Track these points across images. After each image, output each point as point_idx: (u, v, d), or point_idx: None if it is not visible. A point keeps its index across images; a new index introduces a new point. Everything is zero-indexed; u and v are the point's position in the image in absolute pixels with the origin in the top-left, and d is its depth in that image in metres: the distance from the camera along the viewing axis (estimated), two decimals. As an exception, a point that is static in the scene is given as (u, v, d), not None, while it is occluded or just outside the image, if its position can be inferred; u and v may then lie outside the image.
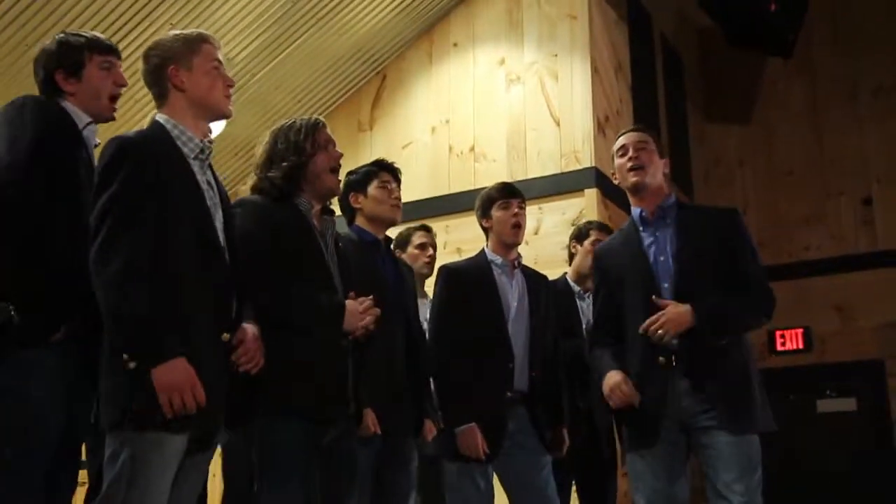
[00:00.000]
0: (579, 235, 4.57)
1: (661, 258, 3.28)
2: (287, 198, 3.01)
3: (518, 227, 3.89)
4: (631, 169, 3.34)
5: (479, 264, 3.91)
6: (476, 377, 3.71)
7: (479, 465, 3.67)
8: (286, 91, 6.45)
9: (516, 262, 3.93)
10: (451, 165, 6.29)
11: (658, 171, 3.38)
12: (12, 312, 2.57)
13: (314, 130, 3.07)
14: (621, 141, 3.46)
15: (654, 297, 3.16)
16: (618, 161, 3.43)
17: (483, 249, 3.96)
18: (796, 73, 7.64)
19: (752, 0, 6.63)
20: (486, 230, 3.96)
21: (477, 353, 3.73)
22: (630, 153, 3.37)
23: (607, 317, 3.41)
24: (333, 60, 6.47)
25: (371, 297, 2.98)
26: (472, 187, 5.85)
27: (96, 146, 2.81)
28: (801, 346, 7.22)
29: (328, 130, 3.13)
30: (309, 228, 3.01)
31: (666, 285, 3.24)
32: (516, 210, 3.89)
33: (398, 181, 3.68)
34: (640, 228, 3.37)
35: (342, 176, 3.36)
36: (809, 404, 7.19)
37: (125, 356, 2.30)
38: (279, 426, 2.77)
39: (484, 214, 3.93)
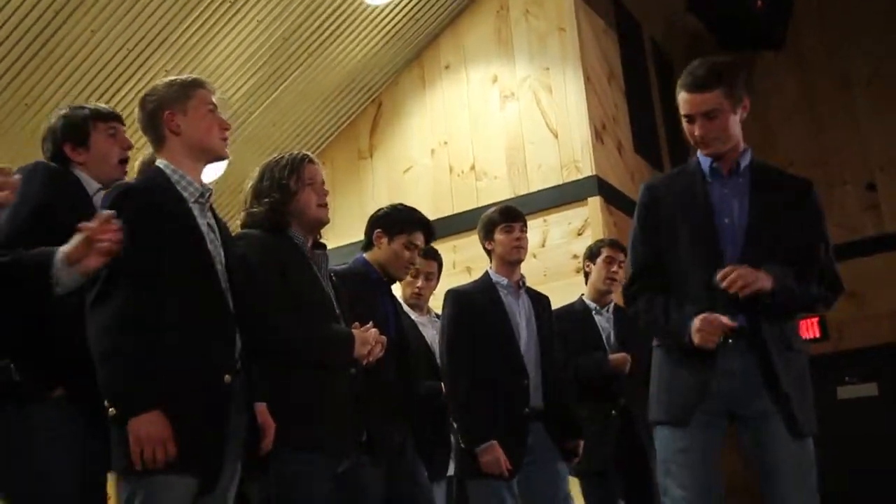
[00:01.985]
0: (591, 255, 4.52)
1: (727, 220, 2.98)
2: (280, 230, 3.02)
3: (519, 248, 3.90)
4: (699, 143, 2.99)
5: (485, 287, 3.92)
6: (493, 396, 3.72)
7: (504, 482, 3.68)
8: (284, 127, 6.50)
9: (521, 283, 3.95)
10: (453, 186, 6.32)
11: (733, 128, 2.96)
12: (12, 369, 2.60)
13: (300, 167, 3.05)
14: (683, 105, 3.01)
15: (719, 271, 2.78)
16: (685, 126, 3.03)
17: (487, 271, 3.96)
18: (788, 67, 7.68)
19: (739, 0, 6.67)
20: (488, 252, 3.98)
21: (492, 373, 3.73)
22: (696, 130, 2.97)
23: (649, 267, 3.08)
24: (328, 93, 6.52)
25: (373, 325, 2.99)
26: (475, 206, 5.89)
27: None
28: (818, 336, 7.20)
29: (316, 165, 3.11)
30: (307, 261, 3.03)
31: (729, 250, 2.93)
32: (518, 234, 3.90)
33: (428, 241, 3.69)
34: (709, 180, 3.04)
35: (366, 198, 3.37)
36: (830, 393, 7.14)
37: (106, 403, 2.35)
38: (299, 459, 2.78)
39: (487, 237, 3.95)
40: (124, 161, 2.91)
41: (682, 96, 3.00)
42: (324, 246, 3.19)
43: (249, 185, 3.11)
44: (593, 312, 4.43)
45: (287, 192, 3.01)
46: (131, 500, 2.36)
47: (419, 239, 3.58)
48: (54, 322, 2.62)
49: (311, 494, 2.79)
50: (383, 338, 3.01)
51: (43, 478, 2.57)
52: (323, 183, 3.12)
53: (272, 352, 2.78)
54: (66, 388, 2.61)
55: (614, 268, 4.43)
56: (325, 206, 3.12)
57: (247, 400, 2.62)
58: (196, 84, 2.69)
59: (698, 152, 3.08)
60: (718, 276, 2.78)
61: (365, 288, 3.47)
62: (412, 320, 4.08)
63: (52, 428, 2.58)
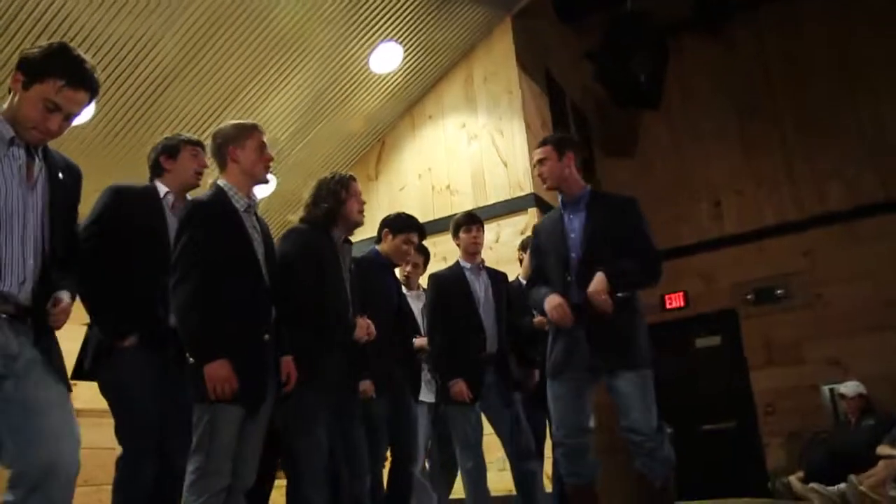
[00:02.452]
0: (523, 247, 4.45)
1: (573, 235, 3.09)
2: (324, 228, 3.01)
3: (476, 244, 3.94)
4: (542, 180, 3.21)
5: (455, 271, 3.97)
6: (460, 347, 3.72)
7: (469, 406, 3.67)
8: (318, 157, 6.47)
9: (480, 266, 3.96)
10: (434, 199, 6.33)
11: (561, 170, 3.13)
12: (90, 328, 2.67)
13: (348, 182, 3.10)
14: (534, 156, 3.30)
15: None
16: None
17: (457, 260, 3.99)
18: (661, 121, 7.74)
19: (628, 74, 6.74)
20: (458, 245, 3.99)
21: (458, 330, 3.76)
22: (536, 169, 3.25)
23: (538, 272, 3.24)
24: (346, 135, 6.53)
25: (369, 321, 2.97)
26: (450, 213, 5.82)
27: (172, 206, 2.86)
28: (682, 305, 7.28)
29: (357, 183, 3.17)
30: (336, 254, 3.01)
31: (574, 255, 3.06)
32: (475, 233, 3.95)
33: (421, 239, 3.69)
34: (563, 211, 3.18)
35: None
36: (690, 343, 7.23)
37: (188, 354, 2.40)
38: (307, 393, 2.76)
39: (455, 235, 4.04)
40: (199, 174, 2.91)
41: (536, 150, 3.24)
42: (350, 241, 3.17)
43: (308, 193, 3.11)
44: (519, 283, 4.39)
45: (339, 200, 2.99)
46: (201, 420, 2.39)
47: (415, 237, 3.61)
48: (125, 293, 2.62)
49: (317, 417, 2.78)
50: (373, 331, 2.97)
51: (130, 400, 2.58)
52: (361, 195, 3.13)
53: (294, 320, 2.75)
54: (139, 339, 2.60)
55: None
56: (363, 212, 3.14)
57: (277, 353, 2.61)
58: (253, 127, 2.70)
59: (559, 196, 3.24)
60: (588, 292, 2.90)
61: (376, 269, 3.46)
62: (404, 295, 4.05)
63: (135, 366, 2.58)
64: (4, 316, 1.85)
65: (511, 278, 4.25)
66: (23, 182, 1.88)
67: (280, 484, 2.95)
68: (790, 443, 6.36)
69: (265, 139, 2.68)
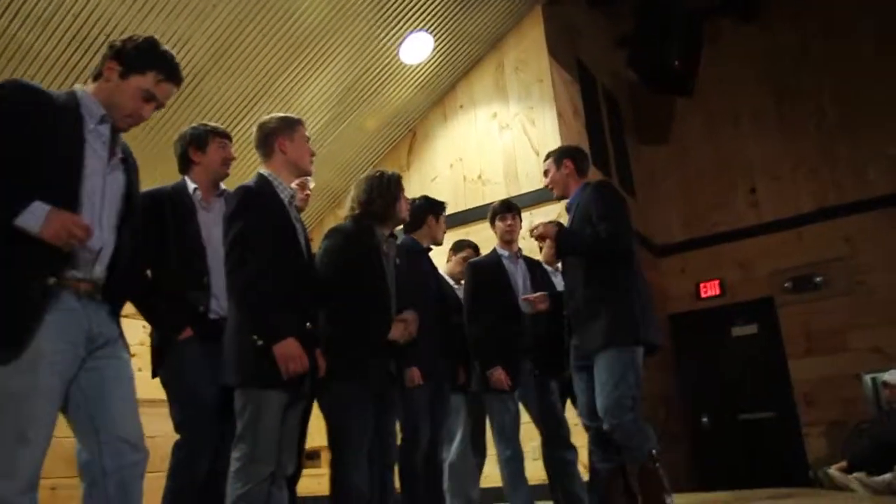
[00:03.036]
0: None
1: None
2: (369, 225, 3.02)
3: (511, 231, 3.93)
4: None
5: (492, 258, 3.96)
6: (498, 334, 3.71)
7: (507, 395, 3.65)
8: (350, 149, 6.49)
9: (518, 254, 3.92)
10: (466, 189, 6.30)
11: (559, 177, 3.47)
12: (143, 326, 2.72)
13: (399, 182, 3.12)
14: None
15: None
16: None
17: (494, 248, 3.95)
18: (696, 106, 7.61)
19: (663, 59, 6.62)
20: (495, 233, 3.97)
21: (496, 318, 3.74)
22: (544, 180, 3.58)
23: None
24: (378, 125, 6.49)
25: (414, 315, 3.00)
26: (482, 203, 5.85)
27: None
28: (718, 293, 7.17)
29: (402, 182, 3.18)
30: (379, 251, 3.00)
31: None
32: (510, 221, 3.93)
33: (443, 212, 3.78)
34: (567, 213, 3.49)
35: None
36: (727, 331, 7.12)
37: (254, 337, 2.34)
38: (352, 382, 2.79)
39: (492, 223, 4.04)
40: (227, 164, 2.91)
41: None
42: (395, 236, 3.19)
43: (359, 191, 3.10)
44: (549, 272, 4.34)
45: (392, 199, 3.02)
46: (246, 407, 2.39)
47: (441, 215, 3.72)
48: (175, 288, 2.65)
49: (361, 405, 2.80)
50: (412, 331, 2.98)
51: (191, 389, 2.60)
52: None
53: (333, 315, 2.78)
54: (194, 332, 2.62)
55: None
56: (409, 210, 3.21)
57: (313, 343, 2.60)
58: (299, 122, 2.71)
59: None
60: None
61: (414, 256, 3.46)
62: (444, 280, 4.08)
63: (193, 356, 2.59)
64: (83, 293, 1.85)
65: None
66: (104, 161, 1.93)
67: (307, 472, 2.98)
68: (831, 432, 6.24)
69: (307, 133, 2.72)
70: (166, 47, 2.06)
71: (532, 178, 5.94)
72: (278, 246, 2.48)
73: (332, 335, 2.75)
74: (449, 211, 6.06)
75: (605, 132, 7.08)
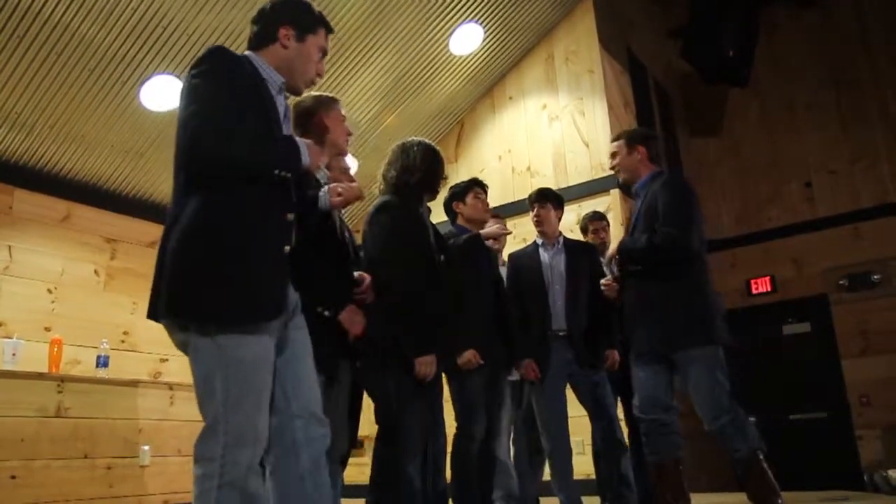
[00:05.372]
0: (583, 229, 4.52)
1: (634, 218, 3.30)
2: (417, 200, 2.91)
3: (537, 221, 3.89)
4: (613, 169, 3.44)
5: (529, 249, 3.95)
6: (529, 325, 3.67)
7: (548, 386, 3.58)
8: (398, 140, 6.41)
9: (558, 242, 3.84)
10: (514, 181, 6.24)
11: (629, 162, 3.32)
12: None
13: (438, 152, 3.05)
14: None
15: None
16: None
17: (535, 239, 3.96)
18: (751, 97, 7.38)
19: (717, 49, 6.43)
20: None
21: (528, 308, 3.70)
22: (610, 162, 3.43)
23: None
24: (426, 117, 6.49)
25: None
26: (530, 195, 5.75)
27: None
28: (769, 289, 6.96)
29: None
30: (426, 225, 2.92)
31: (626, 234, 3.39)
32: (537, 210, 3.90)
33: (486, 193, 3.59)
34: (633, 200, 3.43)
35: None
36: (778, 329, 6.91)
37: (320, 309, 2.29)
38: (409, 371, 2.72)
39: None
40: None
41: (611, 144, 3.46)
42: (429, 209, 3.07)
43: (392, 157, 3.01)
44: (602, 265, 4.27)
45: (433, 169, 2.97)
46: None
47: (480, 190, 3.51)
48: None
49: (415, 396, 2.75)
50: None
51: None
52: None
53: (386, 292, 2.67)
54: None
55: (601, 234, 4.36)
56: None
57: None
58: (336, 100, 2.67)
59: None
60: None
61: (468, 245, 3.34)
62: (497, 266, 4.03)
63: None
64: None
65: None
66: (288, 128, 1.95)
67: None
68: (888, 435, 6.02)
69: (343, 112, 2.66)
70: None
71: (581, 170, 5.86)
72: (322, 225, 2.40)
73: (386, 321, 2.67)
74: (497, 202, 6.18)
75: (655, 124, 6.93)
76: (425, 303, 2.70)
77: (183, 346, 1.67)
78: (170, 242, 1.65)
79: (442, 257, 2.91)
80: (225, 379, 1.60)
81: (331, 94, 2.70)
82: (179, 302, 1.60)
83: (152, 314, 1.68)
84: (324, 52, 2.02)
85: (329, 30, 2.05)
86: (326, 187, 2.21)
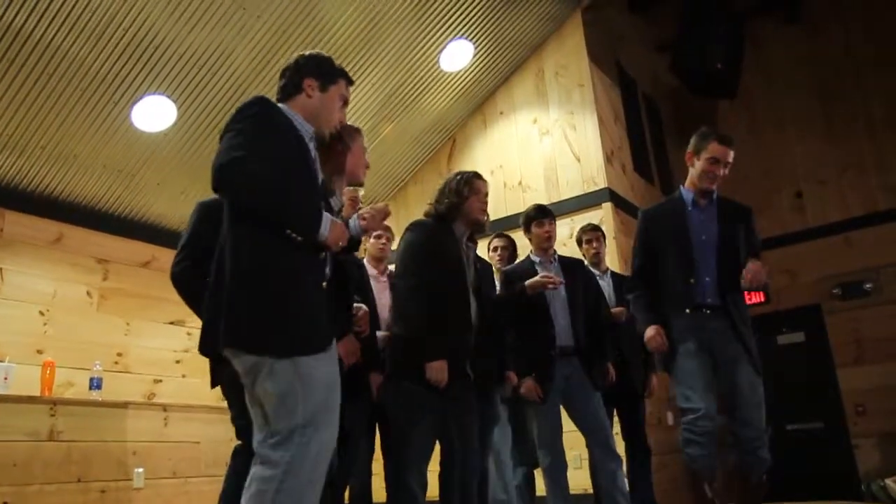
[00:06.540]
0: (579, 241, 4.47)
1: (703, 237, 3.12)
2: (447, 223, 2.98)
3: (549, 237, 3.79)
4: (713, 181, 3.17)
5: (525, 265, 3.84)
6: (529, 343, 3.62)
7: (543, 404, 3.55)
8: (389, 157, 6.48)
9: (552, 258, 3.81)
10: (506, 196, 6.25)
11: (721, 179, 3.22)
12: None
13: (472, 181, 3.05)
14: (719, 152, 3.17)
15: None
16: (708, 166, 3.17)
17: (528, 254, 3.87)
18: (739, 109, 7.44)
19: (705, 62, 6.48)
20: (530, 239, 3.87)
21: (528, 326, 3.64)
22: (720, 171, 3.17)
23: (642, 269, 3.29)
24: (418, 133, 6.50)
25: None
26: (522, 210, 5.68)
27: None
28: (763, 300, 6.97)
29: (483, 182, 3.09)
30: (458, 248, 2.97)
31: (700, 261, 3.08)
32: (548, 227, 3.79)
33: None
34: (690, 208, 3.21)
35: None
36: (772, 340, 6.92)
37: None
38: (416, 384, 2.78)
39: (527, 229, 3.88)
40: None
41: (717, 148, 3.17)
42: (475, 241, 3.14)
43: (438, 189, 3.10)
44: (596, 277, 4.23)
45: (461, 197, 2.96)
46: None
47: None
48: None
49: (421, 410, 2.79)
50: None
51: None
52: (486, 195, 3.07)
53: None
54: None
55: (595, 245, 4.35)
56: (486, 211, 3.07)
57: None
58: (359, 131, 2.66)
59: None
60: (743, 281, 2.94)
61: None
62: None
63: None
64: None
65: None
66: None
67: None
68: (884, 444, 6.01)
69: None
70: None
71: (573, 184, 5.88)
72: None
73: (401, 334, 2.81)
74: (491, 217, 6.15)
75: (645, 137, 6.96)
76: (447, 317, 2.80)
77: (253, 369, 1.85)
78: (225, 277, 1.84)
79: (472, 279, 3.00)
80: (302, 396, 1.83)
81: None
82: (252, 336, 1.82)
83: (209, 346, 1.88)
84: (345, 101, 2.19)
85: (349, 81, 2.22)
86: (356, 215, 2.33)
